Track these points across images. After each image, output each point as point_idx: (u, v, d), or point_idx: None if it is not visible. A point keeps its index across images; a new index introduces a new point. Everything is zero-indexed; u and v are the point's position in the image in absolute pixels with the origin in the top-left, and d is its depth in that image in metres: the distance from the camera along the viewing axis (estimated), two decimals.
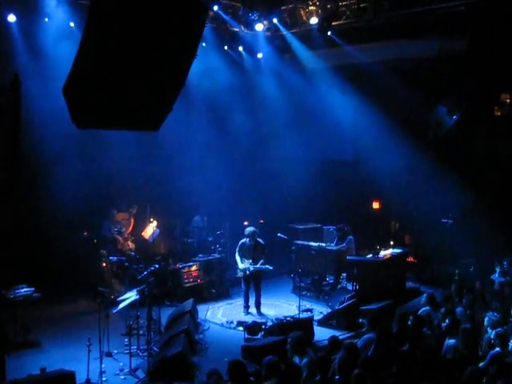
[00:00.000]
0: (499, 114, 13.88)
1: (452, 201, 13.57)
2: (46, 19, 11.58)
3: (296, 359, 7.31)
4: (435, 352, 7.27)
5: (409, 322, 8.32)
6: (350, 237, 13.04)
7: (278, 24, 13.52)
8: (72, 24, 11.84)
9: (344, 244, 12.84)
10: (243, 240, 12.15)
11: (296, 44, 14.09)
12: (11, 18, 11.35)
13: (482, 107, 13.22)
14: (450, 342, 7.74)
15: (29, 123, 10.00)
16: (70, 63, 7.26)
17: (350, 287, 12.64)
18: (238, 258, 12.09)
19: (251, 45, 14.64)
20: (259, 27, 13.42)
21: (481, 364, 7.08)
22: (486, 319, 8.39)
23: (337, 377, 6.43)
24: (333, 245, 13.01)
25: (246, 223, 14.70)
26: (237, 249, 12.19)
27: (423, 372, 6.43)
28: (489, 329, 8.17)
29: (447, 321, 8.24)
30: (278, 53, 14.72)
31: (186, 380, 8.33)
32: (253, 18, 13.21)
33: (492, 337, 7.73)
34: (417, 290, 12.56)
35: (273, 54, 14.78)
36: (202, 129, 15.23)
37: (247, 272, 11.94)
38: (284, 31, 13.76)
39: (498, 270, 11.43)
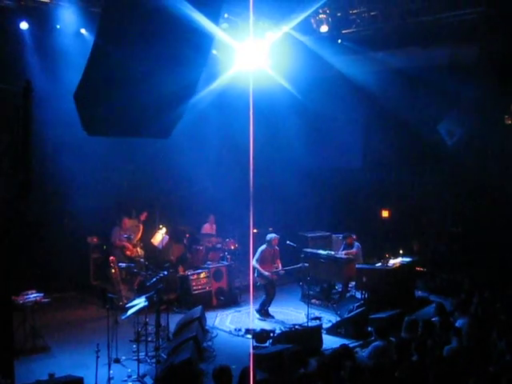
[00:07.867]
0: (510, 122, 13.80)
1: (462, 210, 13.50)
2: (58, 26, 11.70)
3: None
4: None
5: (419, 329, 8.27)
6: (358, 244, 13.03)
7: (288, 31, 13.52)
8: (83, 31, 11.97)
9: (354, 249, 12.83)
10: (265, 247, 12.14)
11: (306, 51, 14.06)
12: (23, 25, 11.50)
13: (492, 116, 13.17)
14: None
15: (40, 130, 10.07)
16: (81, 70, 7.33)
17: (358, 295, 12.56)
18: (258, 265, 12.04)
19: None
20: (269, 35, 13.43)
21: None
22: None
23: None
24: (340, 252, 12.97)
25: (255, 231, 14.66)
26: (258, 257, 12.10)
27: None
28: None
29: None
30: (286, 61, 14.68)
31: None
32: (263, 26, 13.22)
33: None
34: (426, 299, 12.47)
35: (280, 61, 14.75)
36: (213, 137, 15.28)
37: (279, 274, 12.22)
38: (294, 38, 13.74)
39: None
